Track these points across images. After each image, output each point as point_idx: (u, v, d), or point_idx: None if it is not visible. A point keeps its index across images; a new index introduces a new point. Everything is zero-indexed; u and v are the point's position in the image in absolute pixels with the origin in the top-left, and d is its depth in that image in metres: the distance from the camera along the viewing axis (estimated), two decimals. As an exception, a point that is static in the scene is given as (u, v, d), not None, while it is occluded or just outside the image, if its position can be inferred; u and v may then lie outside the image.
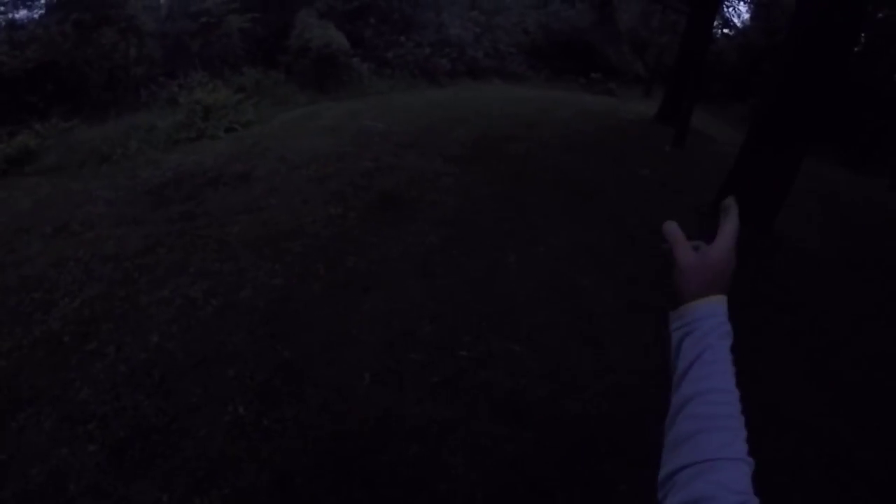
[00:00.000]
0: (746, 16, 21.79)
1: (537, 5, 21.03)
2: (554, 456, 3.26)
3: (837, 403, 3.99)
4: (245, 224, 5.87)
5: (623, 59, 21.03)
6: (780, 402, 3.79)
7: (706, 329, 0.80)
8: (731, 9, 19.52)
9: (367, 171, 7.20)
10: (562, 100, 13.49)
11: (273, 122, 10.24)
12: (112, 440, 3.42)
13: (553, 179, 7.45)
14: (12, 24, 13.26)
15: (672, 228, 0.88)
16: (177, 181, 7.21)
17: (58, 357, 4.13)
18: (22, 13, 15.51)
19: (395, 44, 15.43)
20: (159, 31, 12.94)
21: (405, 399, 3.63)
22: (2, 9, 15.59)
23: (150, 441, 3.39)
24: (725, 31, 21.20)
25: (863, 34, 15.54)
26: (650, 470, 0.79)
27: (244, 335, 4.21)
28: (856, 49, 13.14)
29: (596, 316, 4.60)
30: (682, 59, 12.20)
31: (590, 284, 5.04)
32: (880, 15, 16.36)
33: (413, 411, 3.53)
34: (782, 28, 11.07)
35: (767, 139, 6.32)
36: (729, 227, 0.85)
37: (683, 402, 0.75)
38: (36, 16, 14.53)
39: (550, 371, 3.93)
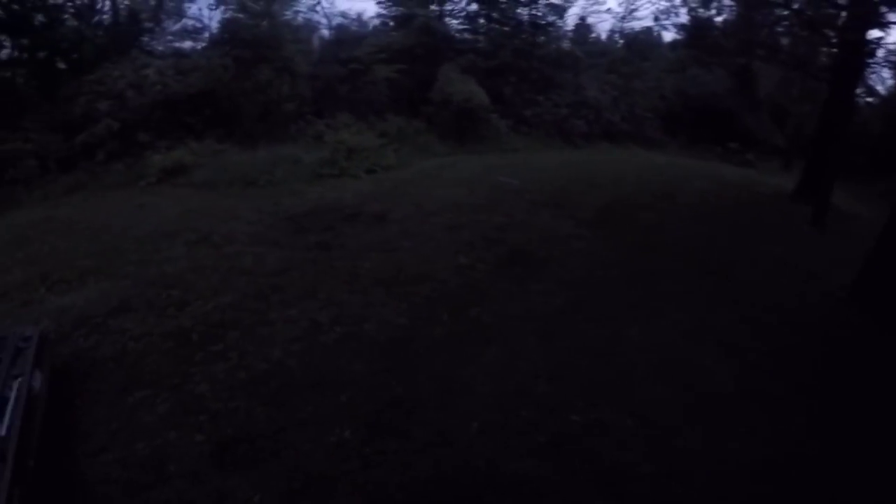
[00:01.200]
0: (892, 82, 20.15)
1: (675, 70, 20.93)
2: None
3: None
4: (377, 261, 6.28)
5: (762, 129, 20.11)
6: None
7: None
8: (874, 75, 18.11)
9: (499, 226, 7.48)
10: (697, 169, 13.19)
11: (412, 169, 10.94)
12: (219, 435, 3.76)
13: (683, 253, 7.27)
14: (179, 53, 15.75)
15: None
16: (316, 213, 7.89)
17: (184, 351, 4.60)
18: (187, 44, 18.53)
19: (534, 102, 16.05)
20: (311, 72, 14.36)
21: (508, 453, 3.67)
22: (171, 38, 18.41)
23: (254, 445, 3.69)
24: (869, 99, 19.71)
25: None
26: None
27: (362, 365, 4.48)
28: None
29: (713, 399, 4.41)
30: (823, 129, 11.60)
31: (711, 365, 4.85)
32: None
33: (514, 467, 3.56)
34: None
35: None
36: None
37: None
38: (199, 47, 17.20)
39: (659, 450, 3.81)
